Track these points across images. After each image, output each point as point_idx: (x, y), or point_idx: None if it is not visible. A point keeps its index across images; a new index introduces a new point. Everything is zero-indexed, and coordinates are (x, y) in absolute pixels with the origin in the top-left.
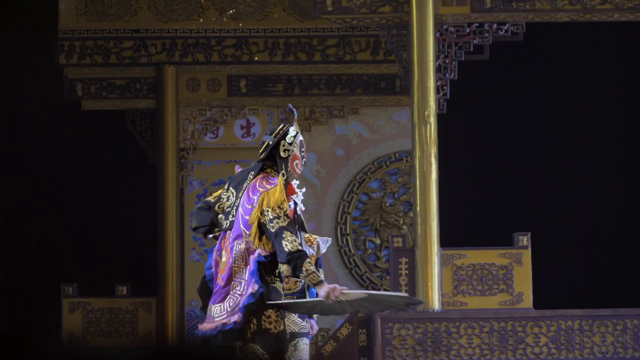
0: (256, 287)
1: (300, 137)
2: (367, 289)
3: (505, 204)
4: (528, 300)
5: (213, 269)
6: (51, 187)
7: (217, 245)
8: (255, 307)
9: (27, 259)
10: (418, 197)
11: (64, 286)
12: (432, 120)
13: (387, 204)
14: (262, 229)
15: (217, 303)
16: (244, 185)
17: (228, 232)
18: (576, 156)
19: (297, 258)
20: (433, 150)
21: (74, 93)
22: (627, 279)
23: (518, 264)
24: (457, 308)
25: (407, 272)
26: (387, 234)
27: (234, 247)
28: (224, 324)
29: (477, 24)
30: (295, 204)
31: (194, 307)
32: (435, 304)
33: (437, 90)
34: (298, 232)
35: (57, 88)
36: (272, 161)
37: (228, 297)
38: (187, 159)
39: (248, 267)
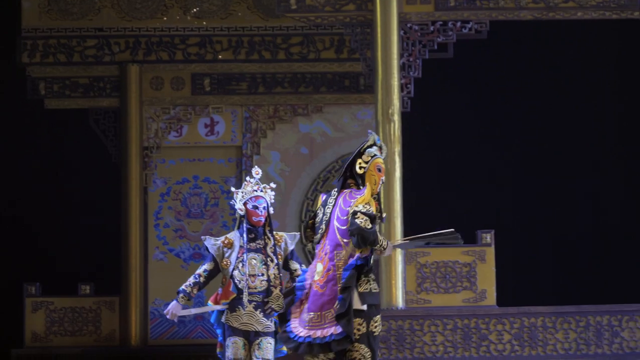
0: (342, 283)
1: (380, 160)
2: None
3: (470, 202)
4: (491, 298)
5: (307, 281)
6: (13, 186)
7: (314, 259)
8: (348, 314)
9: None
10: (382, 195)
11: (26, 286)
12: (396, 118)
13: None
14: None
15: (326, 310)
16: (330, 201)
17: (322, 243)
18: (540, 153)
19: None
20: (397, 148)
21: (37, 92)
22: (590, 276)
23: (481, 261)
24: (420, 306)
25: None
26: None
27: (334, 256)
28: (339, 333)
29: (441, 22)
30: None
31: (157, 306)
32: (399, 301)
33: (401, 89)
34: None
35: (20, 87)
36: (353, 179)
37: (336, 303)
38: (151, 158)
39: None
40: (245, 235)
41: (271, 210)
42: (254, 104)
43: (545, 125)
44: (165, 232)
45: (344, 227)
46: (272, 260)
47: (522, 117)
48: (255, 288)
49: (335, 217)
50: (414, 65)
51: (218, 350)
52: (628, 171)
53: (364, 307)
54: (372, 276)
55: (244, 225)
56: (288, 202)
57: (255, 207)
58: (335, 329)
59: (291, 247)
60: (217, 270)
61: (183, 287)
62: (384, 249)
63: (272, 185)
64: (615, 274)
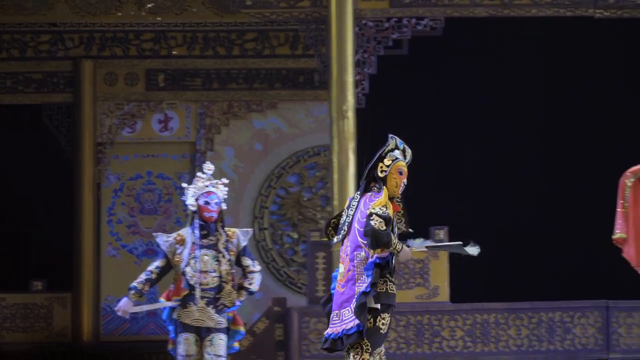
0: (367, 283)
1: (401, 164)
2: (284, 283)
3: (424, 198)
4: (444, 294)
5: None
6: None
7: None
8: (366, 305)
9: None
10: (335, 192)
11: None
12: (351, 114)
13: (305, 199)
14: None
15: (344, 308)
16: (353, 203)
17: (344, 245)
18: (494, 150)
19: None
20: (351, 145)
21: None
22: (542, 273)
23: (435, 257)
24: None
25: (324, 266)
26: (304, 229)
27: (354, 257)
28: (349, 328)
29: (395, 19)
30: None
31: (109, 303)
32: None
33: (356, 85)
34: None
35: None
36: (375, 181)
37: (353, 301)
38: (104, 154)
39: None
40: (197, 232)
41: (224, 206)
42: (208, 100)
43: (500, 121)
44: (118, 228)
45: (362, 229)
46: (224, 257)
47: (476, 112)
48: (207, 284)
49: (357, 219)
50: (368, 62)
51: (170, 346)
52: (585, 170)
53: (377, 305)
54: (392, 277)
55: (196, 221)
56: (242, 198)
57: (207, 203)
58: (346, 325)
59: (244, 244)
60: (169, 266)
61: (135, 283)
62: (398, 251)
63: (225, 180)
64: (569, 272)
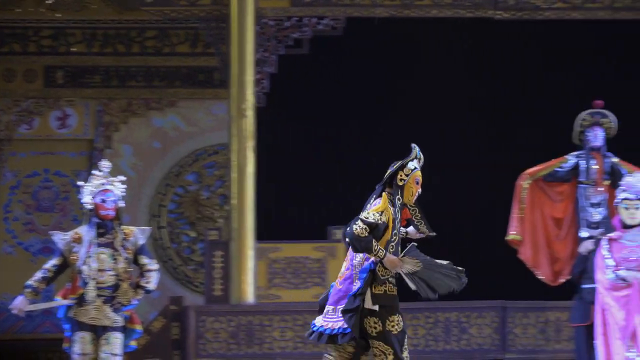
0: (358, 286)
1: (418, 173)
2: (181, 282)
3: (324, 198)
4: None
5: None
6: None
7: None
8: (354, 309)
9: None
10: (234, 190)
11: None
12: (250, 113)
13: (204, 197)
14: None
15: (340, 305)
16: (367, 206)
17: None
18: (395, 150)
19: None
20: (250, 144)
21: None
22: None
23: (332, 257)
24: (271, 301)
25: (222, 265)
26: (202, 227)
27: (354, 257)
28: (346, 327)
29: (296, 18)
30: None
31: (5, 300)
32: (250, 297)
33: (256, 84)
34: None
35: None
36: (391, 187)
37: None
38: (1, 150)
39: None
40: (94, 230)
41: (121, 204)
42: (107, 97)
43: (402, 120)
44: (15, 225)
45: None
46: (120, 255)
47: (378, 113)
48: (104, 283)
49: None
50: (269, 61)
51: (66, 345)
52: (486, 167)
53: (376, 307)
54: (392, 279)
55: (93, 219)
56: (140, 196)
57: (104, 201)
58: (343, 323)
59: (141, 242)
60: (65, 265)
61: (31, 281)
62: (381, 258)
63: (121, 178)
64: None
